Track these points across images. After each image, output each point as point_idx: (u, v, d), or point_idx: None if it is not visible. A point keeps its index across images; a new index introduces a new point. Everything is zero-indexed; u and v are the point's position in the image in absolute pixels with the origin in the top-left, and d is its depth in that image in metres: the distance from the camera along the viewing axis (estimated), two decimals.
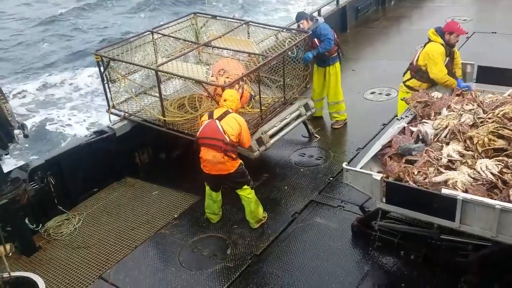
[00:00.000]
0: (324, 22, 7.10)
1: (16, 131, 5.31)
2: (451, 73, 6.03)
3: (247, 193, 5.46)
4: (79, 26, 22.24)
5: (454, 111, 5.09)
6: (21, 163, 7.34)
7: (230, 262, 5.16)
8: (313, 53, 6.96)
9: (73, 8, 24.21)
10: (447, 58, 5.97)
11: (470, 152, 4.39)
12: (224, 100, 5.38)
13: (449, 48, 5.99)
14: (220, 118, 5.23)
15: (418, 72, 6.10)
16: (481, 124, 4.61)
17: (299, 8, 19.67)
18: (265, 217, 5.70)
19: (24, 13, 24.29)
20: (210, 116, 5.33)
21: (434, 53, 5.91)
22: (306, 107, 6.92)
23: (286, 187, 6.33)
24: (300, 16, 7.13)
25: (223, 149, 5.15)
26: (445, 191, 3.95)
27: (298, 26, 7.08)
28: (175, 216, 6.02)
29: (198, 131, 5.40)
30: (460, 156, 4.35)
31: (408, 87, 6.27)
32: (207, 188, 5.60)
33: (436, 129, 4.85)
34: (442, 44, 5.92)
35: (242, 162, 5.45)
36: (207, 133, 5.23)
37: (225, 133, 5.15)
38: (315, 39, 7.00)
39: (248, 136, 5.54)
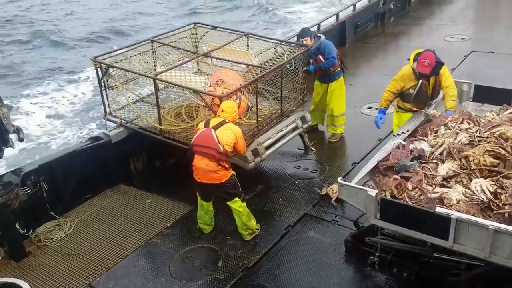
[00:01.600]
0: (326, 39, 7.15)
1: (12, 135, 5.29)
2: (423, 97, 5.93)
3: (238, 206, 5.42)
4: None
5: (450, 129, 5.10)
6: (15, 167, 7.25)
7: (221, 274, 5.11)
8: (315, 68, 7.10)
9: None
10: (419, 82, 5.85)
11: (465, 171, 4.39)
12: (222, 111, 5.39)
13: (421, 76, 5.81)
14: (216, 127, 5.24)
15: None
16: (477, 144, 4.61)
17: None
18: (258, 229, 5.67)
19: None
20: (206, 124, 5.32)
21: (398, 72, 6.04)
22: (303, 119, 6.93)
23: (280, 199, 6.31)
24: (305, 33, 7.12)
25: (216, 158, 5.14)
26: (439, 209, 3.94)
27: (298, 40, 7.11)
28: (168, 225, 5.97)
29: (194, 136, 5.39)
30: (455, 175, 4.34)
31: (398, 106, 6.35)
32: (199, 198, 5.57)
33: (432, 147, 4.86)
34: (412, 68, 5.87)
35: (235, 174, 5.42)
36: (202, 141, 5.22)
37: (219, 143, 5.15)
38: (320, 56, 7.06)
39: (243, 143, 5.54)
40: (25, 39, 21.49)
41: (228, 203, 5.44)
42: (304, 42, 7.05)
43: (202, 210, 5.63)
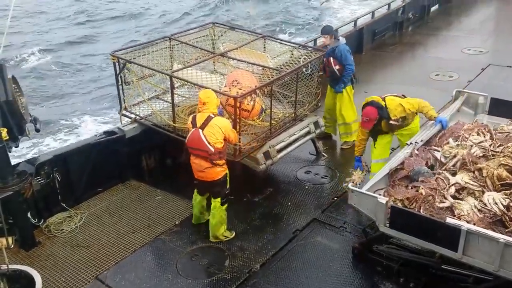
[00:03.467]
0: (345, 44, 7.09)
1: (28, 125, 5.37)
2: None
3: (213, 206, 5.46)
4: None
5: (464, 141, 5.06)
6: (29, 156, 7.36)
7: (227, 274, 5.12)
8: (342, 87, 7.08)
9: None
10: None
11: (477, 184, 4.36)
12: (204, 104, 5.21)
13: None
14: (203, 126, 5.15)
15: None
16: (491, 157, 4.58)
17: None
18: (226, 237, 5.61)
19: None
20: (194, 122, 5.25)
21: None
22: (316, 124, 6.93)
23: (289, 203, 6.30)
24: (328, 30, 7.07)
25: (209, 159, 5.19)
26: (449, 220, 3.92)
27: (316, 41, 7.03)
28: (176, 222, 6.00)
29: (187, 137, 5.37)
30: (468, 187, 4.31)
31: None
32: (195, 190, 5.67)
33: (446, 157, 4.83)
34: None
35: (228, 173, 5.45)
36: (193, 143, 5.23)
37: (209, 143, 5.13)
38: (331, 58, 6.99)
39: (235, 135, 5.42)
40: None
41: (213, 199, 5.50)
42: (323, 39, 6.98)
43: (194, 201, 5.73)
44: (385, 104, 5.65)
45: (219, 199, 5.43)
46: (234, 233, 5.69)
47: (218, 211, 5.45)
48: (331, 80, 7.32)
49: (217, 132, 5.15)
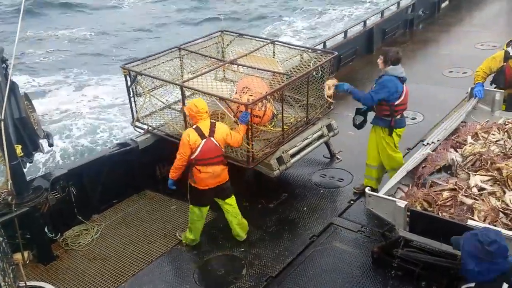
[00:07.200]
0: (392, 76, 5.75)
1: (42, 141, 5.41)
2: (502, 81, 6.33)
3: (232, 201, 5.52)
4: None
5: (481, 140, 4.95)
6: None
7: (245, 282, 5.08)
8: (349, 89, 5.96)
9: None
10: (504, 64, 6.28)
11: (498, 183, 4.24)
12: (206, 112, 5.31)
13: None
14: (211, 133, 5.24)
15: None
16: (511, 155, 4.47)
17: None
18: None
19: None
20: (200, 133, 5.18)
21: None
22: (329, 127, 6.85)
23: (305, 208, 6.24)
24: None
25: (223, 163, 5.32)
26: (471, 222, 3.81)
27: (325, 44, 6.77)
28: None
29: (194, 152, 5.19)
30: (489, 187, 4.21)
31: None
32: (196, 209, 5.49)
33: (464, 157, 4.72)
34: (505, 50, 6.38)
35: None
36: (210, 153, 5.22)
37: (220, 146, 5.28)
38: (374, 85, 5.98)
39: (237, 136, 5.46)
40: None
41: (227, 200, 5.51)
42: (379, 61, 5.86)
43: (198, 220, 5.56)
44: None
45: (233, 197, 5.51)
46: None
47: (236, 205, 5.55)
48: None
49: (224, 131, 5.32)
